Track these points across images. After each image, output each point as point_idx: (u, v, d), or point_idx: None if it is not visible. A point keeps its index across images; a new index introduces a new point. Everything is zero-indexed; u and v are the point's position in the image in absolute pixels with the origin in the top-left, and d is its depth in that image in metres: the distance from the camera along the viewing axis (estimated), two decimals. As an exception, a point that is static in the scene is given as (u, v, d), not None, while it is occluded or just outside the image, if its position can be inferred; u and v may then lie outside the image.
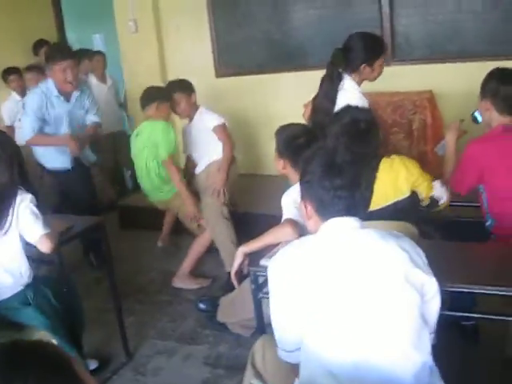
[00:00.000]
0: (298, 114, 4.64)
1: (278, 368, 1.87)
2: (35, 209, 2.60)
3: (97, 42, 8.93)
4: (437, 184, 2.76)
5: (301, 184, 1.77)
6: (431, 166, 4.08)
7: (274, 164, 2.87)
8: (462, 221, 3.17)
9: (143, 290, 4.04)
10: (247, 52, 5.54)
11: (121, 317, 3.26)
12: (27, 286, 2.67)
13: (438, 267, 1.68)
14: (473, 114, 2.94)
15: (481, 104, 2.81)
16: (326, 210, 1.68)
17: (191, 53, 5.69)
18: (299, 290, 1.62)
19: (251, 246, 2.49)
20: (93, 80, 5.84)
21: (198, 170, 4.27)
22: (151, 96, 4.11)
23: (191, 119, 4.21)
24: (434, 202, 2.79)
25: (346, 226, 1.66)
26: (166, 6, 5.83)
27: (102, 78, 6.00)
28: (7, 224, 2.54)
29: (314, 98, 3.41)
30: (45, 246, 2.59)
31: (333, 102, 3.15)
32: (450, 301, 2.10)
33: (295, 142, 2.72)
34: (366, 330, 1.55)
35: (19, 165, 2.67)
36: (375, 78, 3.31)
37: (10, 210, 2.54)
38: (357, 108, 2.74)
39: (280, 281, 1.68)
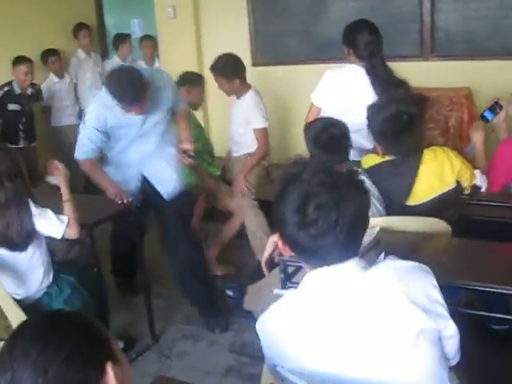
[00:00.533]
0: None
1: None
2: (37, 208, 2.56)
3: (134, 27, 9.00)
4: (477, 173, 2.79)
5: (273, 224, 1.48)
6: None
7: None
8: (496, 221, 3.12)
9: (172, 274, 4.06)
10: (284, 42, 5.53)
11: (149, 299, 3.31)
12: (50, 284, 2.72)
13: (469, 266, 1.66)
14: (483, 114, 2.98)
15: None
16: (309, 259, 1.42)
17: (228, 41, 5.69)
18: (292, 351, 1.42)
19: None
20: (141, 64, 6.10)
21: (236, 154, 4.26)
22: (182, 80, 4.12)
23: (239, 97, 4.12)
24: (475, 189, 2.80)
25: (338, 277, 1.39)
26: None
27: (151, 63, 6.22)
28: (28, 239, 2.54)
29: None
30: (72, 235, 2.65)
31: None
32: (482, 302, 2.08)
33: (320, 139, 2.72)
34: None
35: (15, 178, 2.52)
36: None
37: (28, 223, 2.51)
38: (401, 100, 2.73)
39: (270, 344, 1.49)
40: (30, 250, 2.57)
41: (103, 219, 3.07)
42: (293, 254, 1.44)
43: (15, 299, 2.46)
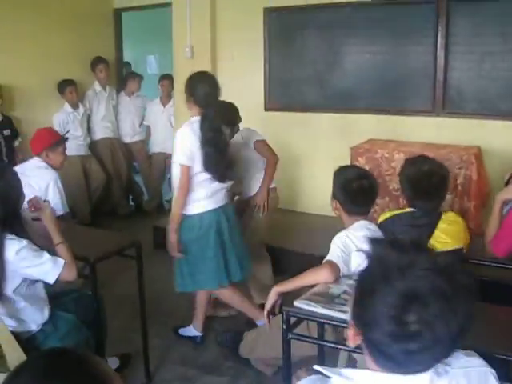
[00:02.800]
0: (340, 155, 4.67)
1: None
2: (32, 252, 2.43)
3: (150, 63, 9.16)
4: None
5: (352, 314, 1.21)
6: (473, 223, 4.03)
7: (330, 203, 2.89)
8: (498, 282, 3.10)
9: (171, 314, 4.03)
10: (297, 89, 5.60)
11: (146, 338, 3.27)
12: (46, 322, 2.66)
13: (478, 331, 1.63)
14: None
15: None
16: (387, 365, 1.15)
17: (243, 83, 5.77)
18: None
19: (286, 286, 2.47)
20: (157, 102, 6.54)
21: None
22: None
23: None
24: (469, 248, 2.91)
25: None
26: (224, 36, 5.95)
27: (166, 100, 6.51)
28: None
29: None
30: (69, 277, 2.56)
31: None
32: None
33: (349, 186, 2.74)
34: None
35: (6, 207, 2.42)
36: None
37: None
38: (436, 161, 2.91)
39: None
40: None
41: (107, 254, 3.05)
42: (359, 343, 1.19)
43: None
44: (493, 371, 1.30)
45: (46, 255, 2.47)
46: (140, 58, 8.83)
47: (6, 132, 5.33)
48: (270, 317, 2.55)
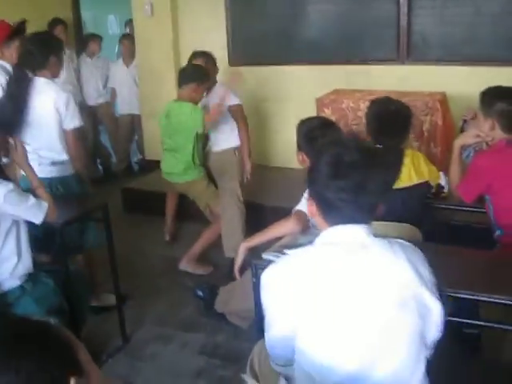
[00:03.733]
0: (308, 108, 4.65)
1: (272, 374, 1.86)
2: (17, 193, 2.49)
3: (111, 23, 8.93)
4: (442, 175, 3.02)
5: (307, 180, 1.66)
6: (439, 169, 4.07)
7: (296, 156, 2.88)
8: (469, 226, 3.16)
9: (143, 275, 4.03)
10: (261, 43, 5.50)
11: (120, 301, 3.27)
12: (26, 277, 2.64)
13: (440, 272, 1.66)
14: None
15: (484, 121, 2.87)
16: (329, 213, 1.59)
17: (206, 40, 5.66)
18: (296, 302, 1.52)
19: (254, 240, 2.49)
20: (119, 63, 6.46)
21: (215, 149, 4.28)
22: (193, 75, 3.97)
23: (208, 92, 4.20)
24: (439, 189, 3.03)
25: (351, 235, 1.56)
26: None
27: (129, 60, 6.37)
28: None
29: None
30: (53, 218, 2.64)
31: None
32: (452, 307, 2.09)
33: (311, 134, 2.74)
34: (364, 348, 1.49)
35: None
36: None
37: None
38: (403, 103, 2.99)
39: (275, 293, 1.58)
40: (2, 235, 2.51)
41: (74, 219, 3.01)
42: (317, 215, 1.62)
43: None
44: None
45: (32, 198, 2.54)
46: (99, 18, 8.59)
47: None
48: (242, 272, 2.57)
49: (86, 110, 6.26)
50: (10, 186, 2.46)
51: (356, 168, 1.52)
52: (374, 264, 1.52)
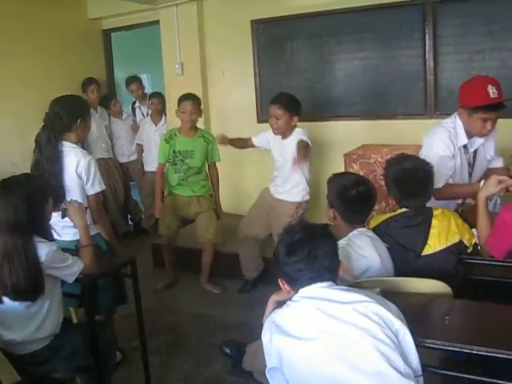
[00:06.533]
0: (336, 163, 4.66)
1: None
2: (60, 255, 2.55)
3: (144, 82, 9.16)
4: (474, 231, 2.87)
5: (274, 264, 2.08)
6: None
7: (325, 213, 2.86)
8: (502, 282, 3.06)
9: (171, 331, 3.99)
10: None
11: (146, 356, 3.23)
12: (55, 337, 2.63)
13: (472, 328, 1.61)
14: None
15: None
16: (294, 283, 1.99)
17: (235, 98, 5.78)
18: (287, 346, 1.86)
19: (283, 294, 2.45)
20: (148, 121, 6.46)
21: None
22: None
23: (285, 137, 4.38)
24: (476, 247, 2.86)
25: (312, 292, 1.93)
26: (213, 51, 5.98)
27: (157, 119, 6.44)
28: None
29: None
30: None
31: None
32: (484, 366, 2.02)
33: (347, 194, 2.70)
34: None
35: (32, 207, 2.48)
36: None
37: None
38: (418, 158, 2.93)
39: (270, 339, 1.92)
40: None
41: (102, 273, 3.01)
42: (290, 292, 2.02)
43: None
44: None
45: (70, 258, 2.61)
46: (132, 77, 8.84)
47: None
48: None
49: (117, 167, 6.40)
50: (54, 246, 2.54)
51: (303, 243, 1.95)
52: (336, 307, 1.86)
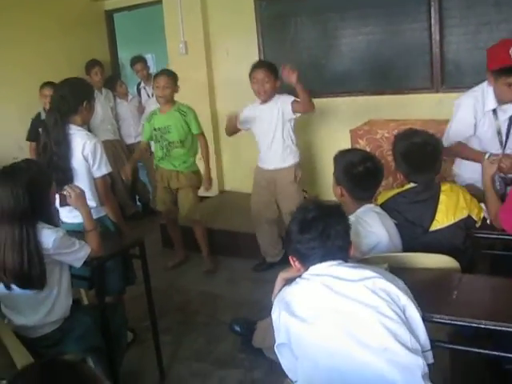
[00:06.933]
0: (342, 139, 4.64)
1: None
2: (67, 241, 2.55)
3: (149, 62, 9.12)
4: (483, 206, 2.88)
5: (286, 243, 2.13)
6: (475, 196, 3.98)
7: (332, 190, 2.85)
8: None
9: (181, 310, 4.03)
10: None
11: (157, 336, 3.25)
12: (65, 320, 2.65)
13: (481, 303, 1.61)
14: None
15: None
16: (305, 260, 2.00)
17: (239, 75, 5.73)
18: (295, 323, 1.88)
19: (292, 271, 2.45)
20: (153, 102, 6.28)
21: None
22: None
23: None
24: (484, 221, 2.86)
25: (321, 269, 1.95)
26: (216, 29, 5.93)
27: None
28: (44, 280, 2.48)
29: None
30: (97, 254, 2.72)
31: None
32: (492, 340, 2.02)
33: (354, 170, 2.69)
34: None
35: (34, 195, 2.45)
36: None
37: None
38: (427, 132, 2.88)
39: (279, 316, 1.94)
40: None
41: (109, 255, 3.02)
42: (300, 270, 2.03)
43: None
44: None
45: (77, 243, 2.60)
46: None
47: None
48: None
49: (124, 148, 6.39)
50: (60, 232, 2.52)
51: (317, 221, 1.96)
52: (345, 282, 1.88)
